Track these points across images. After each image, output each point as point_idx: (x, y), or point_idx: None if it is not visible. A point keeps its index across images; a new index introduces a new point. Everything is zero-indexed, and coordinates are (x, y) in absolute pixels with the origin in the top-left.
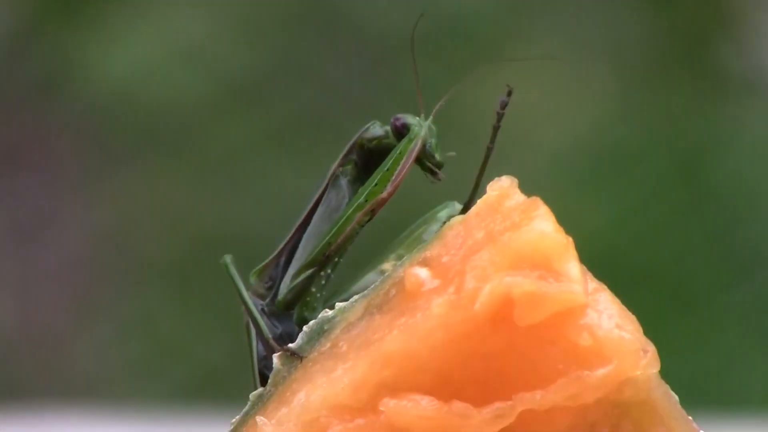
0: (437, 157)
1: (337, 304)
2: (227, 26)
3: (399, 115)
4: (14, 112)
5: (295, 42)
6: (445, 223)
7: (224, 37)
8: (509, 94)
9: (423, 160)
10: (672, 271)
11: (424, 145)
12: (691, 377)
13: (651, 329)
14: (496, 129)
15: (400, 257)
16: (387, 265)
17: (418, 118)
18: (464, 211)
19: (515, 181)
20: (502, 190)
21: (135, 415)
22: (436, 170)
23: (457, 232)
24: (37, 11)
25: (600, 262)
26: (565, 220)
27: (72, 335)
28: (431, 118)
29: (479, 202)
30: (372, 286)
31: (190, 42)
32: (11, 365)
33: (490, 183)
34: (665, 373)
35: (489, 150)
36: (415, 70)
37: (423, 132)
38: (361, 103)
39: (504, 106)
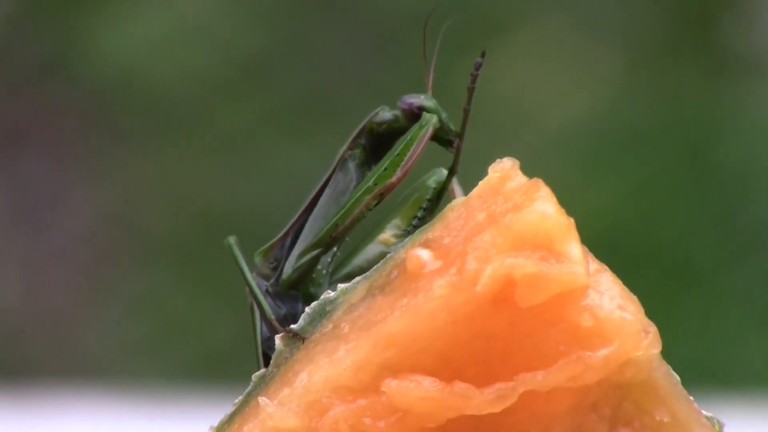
0: (452, 127)
1: (339, 285)
2: (234, 5)
3: (409, 98)
4: (19, 93)
5: (302, 21)
6: (434, 189)
7: (231, 15)
8: (482, 55)
9: (440, 135)
10: (676, 251)
11: (438, 125)
12: (694, 356)
13: (654, 309)
14: (471, 90)
15: (396, 227)
16: (384, 235)
17: (424, 95)
18: (449, 176)
19: (517, 162)
20: (504, 171)
21: (140, 394)
22: (454, 140)
23: (458, 214)
24: None
25: (604, 241)
26: (570, 199)
27: (78, 315)
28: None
29: (481, 183)
30: (374, 267)
31: (196, 21)
32: (19, 345)
33: (492, 165)
34: (667, 353)
35: (466, 112)
36: (424, 51)
37: (434, 119)
38: (368, 83)
39: (478, 67)
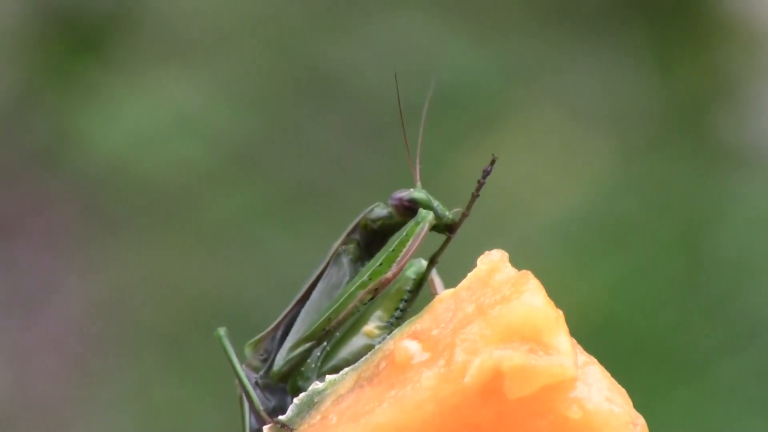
0: (449, 215)
1: (327, 376)
2: (224, 94)
3: (398, 193)
4: (11, 182)
5: (294, 111)
6: (414, 280)
7: (221, 105)
8: (492, 163)
9: (437, 225)
10: (668, 342)
11: (434, 222)
12: None
13: (646, 400)
14: (474, 197)
15: (379, 318)
16: (368, 327)
17: (413, 188)
18: (429, 266)
19: (505, 254)
20: (492, 263)
21: None
22: (453, 227)
23: (447, 306)
24: (33, 81)
25: (598, 332)
26: (562, 290)
27: (68, 405)
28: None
29: (469, 275)
30: (363, 359)
31: (187, 110)
32: None
33: (481, 256)
34: None
35: (463, 216)
36: (405, 138)
37: (430, 216)
38: (361, 173)
39: (486, 175)
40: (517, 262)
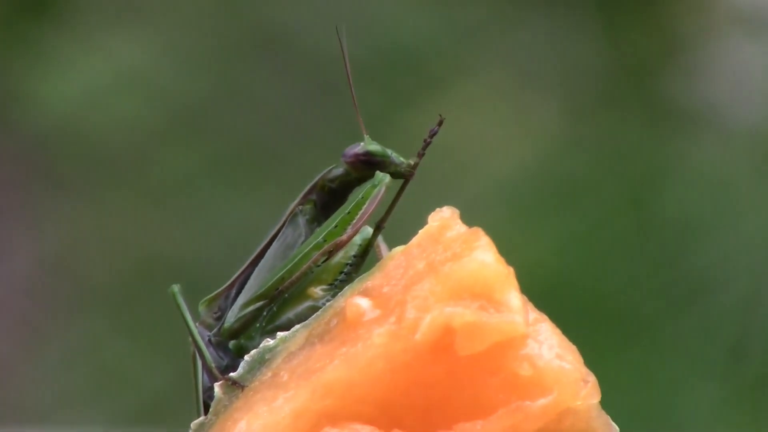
0: (405, 163)
1: (278, 333)
2: (172, 53)
3: (351, 149)
4: None
5: (241, 69)
6: (360, 245)
7: (170, 64)
8: (440, 123)
9: (396, 171)
10: (617, 301)
11: (390, 184)
12: (637, 407)
13: (596, 359)
14: (420, 155)
15: (323, 281)
16: (312, 289)
17: (363, 141)
18: (376, 232)
19: (456, 211)
20: (443, 220)
21: None
22: (411, 172)
23: (398, 263)
24: None
25: (545, 291)
26: (511, 249)
27: (17, 362)
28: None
29: (420, 232)
30: (313, 316)
31: (135, 69)
32: None
33: (432, 213)
34: (610, 404)
35: (408, 177)
36: (352, 91)
37: (387, 179)
38: (307, 132)
39: (432, 134)
40: (466, 222)
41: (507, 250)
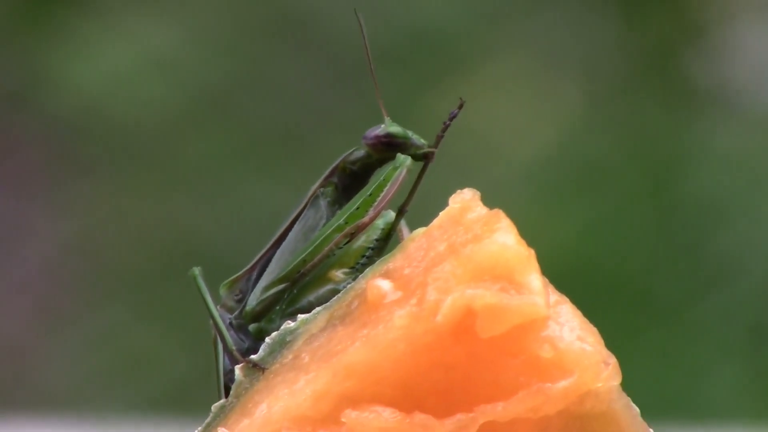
0: (426, 144)
1: (299, 315)
2: (198, 37)
3: (371, 131)
4: None
5: (265, 53)
6: (382, 229)
7: (195, 47)
8: (460, 107)
9: (417, 153)
10: (640, 284)
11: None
12: (660, 390)
13: (618, 342)
14: (439, 138)
15: (345, 264)
16: (333, 272)
17: (384, 123)
18: (398, 216)
19: (477, 193)
20: (464, 202)
21: (102, 426)
22: (430, 154)
23: (419, 245)
24: (7, 22)
25: (568, 273)
26: (534, 232)
27: (39, 347)
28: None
29: (441, 214)
30: (335, 298)
31: (160, 53)
32: None
33: (453, 195)
34: (633, 386)
35: (429, 159)
36: (372, 73)
37: (408, 161)
38: (331, 115)
39: (452, 117)
40: (489, 204)
41: (530, 233)
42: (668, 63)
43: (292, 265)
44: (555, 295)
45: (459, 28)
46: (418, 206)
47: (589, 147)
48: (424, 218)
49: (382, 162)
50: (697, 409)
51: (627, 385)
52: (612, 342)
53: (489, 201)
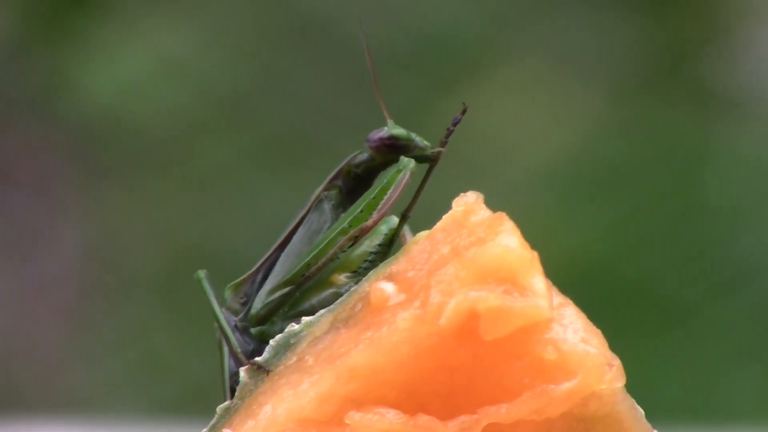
0: (431, 147)
1: (303, 318)
2: (214, 42)
3: (374, 134)
4: (4, 130)
5: (282, 59)
6: (385, 234)
7: (211, 53)
8: (463, 112)
9: (419, 156)
10: (658, 287)
11: (416, 170)
12: (677, 393)
13: (638, 344)
14: (443, 143)
15: (347, 268)
16: (336, 276)
17: (387, 126)
18: (401, 222)
19: (481, 196)
20: (468, 205)
21: (123, 429)
22: (436, 156)
23: (422, 248)
24: (25, 28)
25: (587, 276)
26: (552, 235)
27: (61, 350)
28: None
29: (445, 217)
30: (338, 301)
31: (177, 59)
32: (1, 381)
33: (456, 199)
34: (650, 389)
35: (433, 163)
36: (375, 77)
37: (411, 164)
38: (347, 120)
39: (456, 123)
40: (505, 208)
41: (548, 236)
42: (687, 65)
43: (296, 269)
44: (558, 298)
45: (473, 32)
46: (431, 211)
47: (608, 149)
48: (435, 222)
49: (385, 165)
50: (714, 412)
51: (643, 388)
52: (630, 345)
53: (507, 204)
